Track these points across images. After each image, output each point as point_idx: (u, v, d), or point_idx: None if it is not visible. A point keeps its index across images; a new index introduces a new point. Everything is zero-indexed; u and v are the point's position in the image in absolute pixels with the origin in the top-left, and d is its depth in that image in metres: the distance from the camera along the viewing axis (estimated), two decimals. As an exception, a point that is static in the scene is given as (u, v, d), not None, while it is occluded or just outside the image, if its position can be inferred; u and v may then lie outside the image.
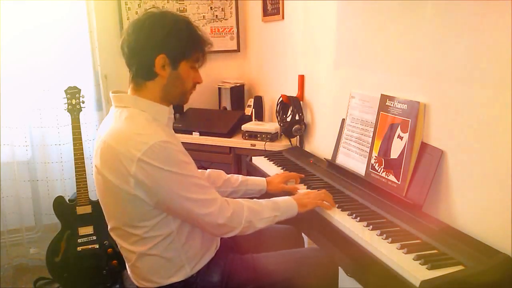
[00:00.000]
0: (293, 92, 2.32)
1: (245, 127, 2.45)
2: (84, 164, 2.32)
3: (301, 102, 2.26)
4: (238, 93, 2.95)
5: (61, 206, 2.31)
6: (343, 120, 1.83)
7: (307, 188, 1.66)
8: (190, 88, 1.29)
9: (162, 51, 1.20)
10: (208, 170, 1.63)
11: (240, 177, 1.64)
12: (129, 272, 1.35)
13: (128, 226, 1.22)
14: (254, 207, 1.32)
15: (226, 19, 3.02)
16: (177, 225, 1.23)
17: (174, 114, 1.33)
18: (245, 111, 2.75)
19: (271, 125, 2.44)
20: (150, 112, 1.22)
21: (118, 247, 1.33)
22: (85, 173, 2.32)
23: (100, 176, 1.22)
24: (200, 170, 1.61)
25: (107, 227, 1.31)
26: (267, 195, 1.66)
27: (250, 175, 1.74)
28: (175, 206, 1.18)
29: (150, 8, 1.26)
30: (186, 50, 1.24)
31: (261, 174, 1.94)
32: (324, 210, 1.44)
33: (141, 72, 1.23)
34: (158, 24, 1.21)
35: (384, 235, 1.23)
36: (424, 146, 1.41)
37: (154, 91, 1.24)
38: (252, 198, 1.68)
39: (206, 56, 1.29)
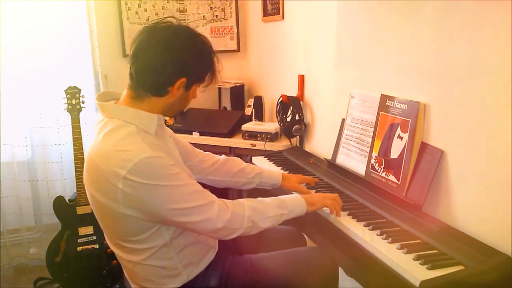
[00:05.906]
0: (293, 92, 2.32)
1: (245, 127, 2.45)
2: (84, 164, 2.31)
3: (301, 102, 2.26)
4: (238, 93, 2.95)
5: (61, 206, 2.31)
6: (343, 120, 1.83)
7: (307, 188, 1.66)
8: (188, 104, 1.28)
9: (185, 75, 1.16)
10: (223, 155, 1.62)
11: (255, 168, 1.62)
12: (127, 277, 1.34)
13: (121, 240, 1.21)
14: (257, 206, 1.27)
15: (226, 19, 3.01)
16: (170, 235, 1.21)
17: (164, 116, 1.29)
18: (245, 111, 2.75)
19: (271, 125, 2.44)
20: (136, 123, 1.16)
21: (116, 255, 1.32)
22: (85, 173, 2.32)
23: (89, 194, 1.21)
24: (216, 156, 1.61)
25: None
26: (280, 190, 1.66)
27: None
28: (170, 219, 1.15)
29: (168, 17, 1.19)
30: (205, 76, 1.22)
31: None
32: (324, 210, 1.43)
33: (153, 88, 1.17)
34: (187, 47, 1.15)
35: (384, 235, 1.23)
36: (424, 146, 1.41)
37: (157, 106, 1.19)
38: (264, 190, 1.67)
39: (215, 81, 1.26)
